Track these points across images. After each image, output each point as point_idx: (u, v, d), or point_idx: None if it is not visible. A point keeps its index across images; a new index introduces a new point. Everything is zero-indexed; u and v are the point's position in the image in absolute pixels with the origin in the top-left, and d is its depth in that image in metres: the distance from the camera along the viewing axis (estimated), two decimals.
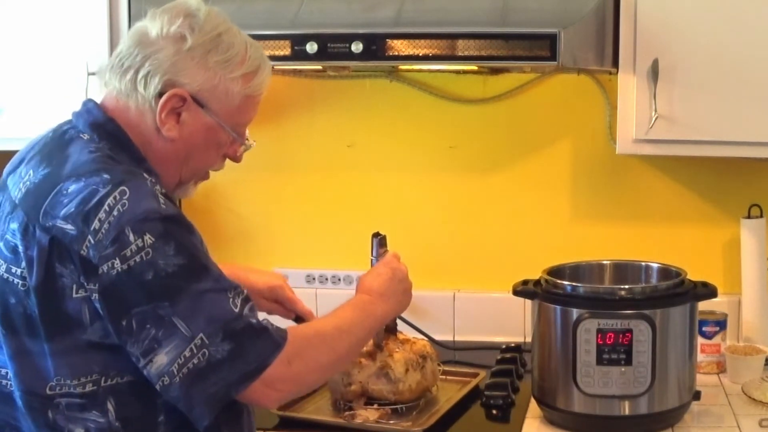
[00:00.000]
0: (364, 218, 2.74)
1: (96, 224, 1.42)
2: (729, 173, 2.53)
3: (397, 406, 2.11)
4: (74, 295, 1.45)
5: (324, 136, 2.73)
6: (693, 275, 2.10)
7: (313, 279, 2.77)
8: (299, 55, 2.17)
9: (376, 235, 2.02)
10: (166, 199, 1.50)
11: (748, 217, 2.48)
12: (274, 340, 1.50)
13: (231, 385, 1.46)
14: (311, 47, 2.15)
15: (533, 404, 2.14)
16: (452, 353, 2.61)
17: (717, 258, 2.57)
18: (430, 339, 2.51)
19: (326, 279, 2.76)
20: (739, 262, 2.48)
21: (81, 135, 1.56)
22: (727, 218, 2.55)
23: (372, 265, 1.96)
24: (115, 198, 1.44)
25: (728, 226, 2.54)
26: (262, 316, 1.66)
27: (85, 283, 1.44)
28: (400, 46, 2.14)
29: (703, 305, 2.10)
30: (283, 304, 1.98)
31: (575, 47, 2.12)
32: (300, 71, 2.68)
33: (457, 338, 2.71)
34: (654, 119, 2.20)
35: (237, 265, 2.02)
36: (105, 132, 1.56)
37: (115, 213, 1.43)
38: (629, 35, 2.21)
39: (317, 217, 2.77)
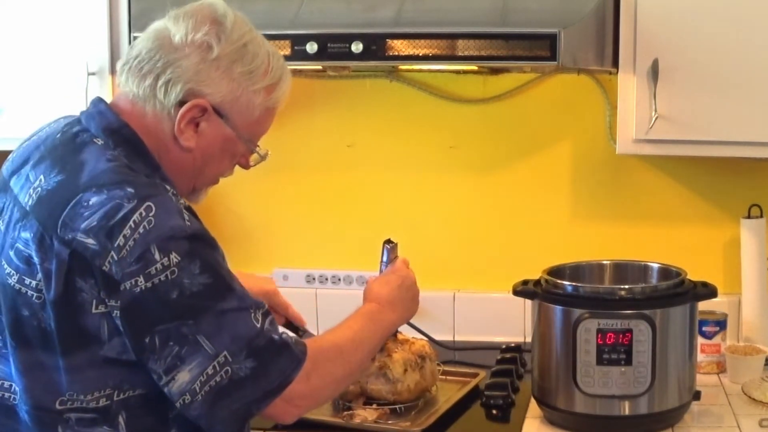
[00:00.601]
0: (364, 218, 2.75)
1: (121, 240, 1.38)
2: (729, 173, 2.53)
3: (396, 406, 2.11)
4: (93, 311, 1.42)
5: (324, 136, 2.73)
6: (693, 275, 2.10)
7: (313, 279, 2.77)
8: (299, 55, 2.17)
9: (388, 242, 2.00)
10: (189, 213, 1.47)
11: (748, 217, 2.48)
12: (295, 356, 1.49)
13: (253, 402, 1.45)
14: (311, 47, 2.15)
15: (533, 404, 2.14)
16: (452, 353, 2.61)
17: (717, 258, 2.57)
18: (430, 339, 2.51)
19: (326, 279, 2.76)
20: (739, 262, 2.48)
21: (94, 140, 1.51)
22: (727, 218, 2.55)
23: (381, 271, 1.96)
24: (141, 215, 1.40)
25: (728, 226, 2.54)
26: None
27: (106, 299, 1.41)
28: (400, 46, 2.14)
29: (703, 305, 2.10)
30: (276, 309, 1.95)
31: (575, 47, 2.12)
32: (300, 71, 2.67)
33: (457, 338, 2.71)
34: (654, 119, 2.20)
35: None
36: (121, 138, 1.51)
37: (140, 230, 1.39)
38: (629, 35, 2.21)
39: (317, 217, 2.77)
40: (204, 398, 1.42)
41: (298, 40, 2.16)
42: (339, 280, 2.76)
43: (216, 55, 1.51)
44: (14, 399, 1.49)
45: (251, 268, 2.77)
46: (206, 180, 1.64)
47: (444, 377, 2.30)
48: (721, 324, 2.37)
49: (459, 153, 2.68)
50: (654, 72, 2.19)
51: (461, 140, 2.68)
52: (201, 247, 1.44)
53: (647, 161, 2.56)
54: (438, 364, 2.27)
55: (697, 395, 2.07)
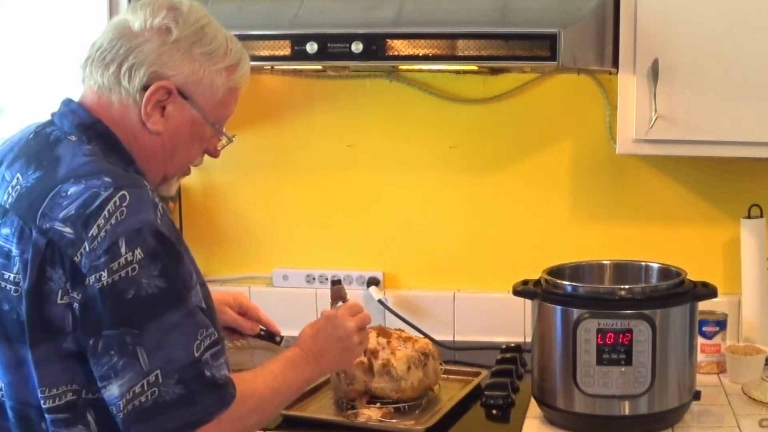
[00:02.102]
0: (364, 218, 2.75)
1: (94, 230, 1.40)
2: (729, 173, 2.53)
3: (400, 405, 2.11)
4: (59, 301, 1.43)
5: (324, 136, 2.73)
6: (693, 275, 2.10)
7: (313, 279, 2.77)
8: (299, 55, 2.17)
9: (333, 282, 1.96)
10: (164, 213, 1.48)
11: (748, 217, 2.48)
12: (224, 398, 1.47)
13: (170, 431, 1.43)
14: (311, 47, 2.15)
15: (533, 404, 2.14)
16: (452, 353, 2.61)
17: (717, 258, 2.57)
18: (430, 339, 2.51)
19: (326, 279, 2.76)
20: (739, 262, 2.48)
21: (68, 137, 1.53)
22: (727, 218, 2.55)
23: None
24: (115, 203, 1.41)
25: (728, 226, 2.54)
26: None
27: (70, 291, 1.42)
28: (400, 46, 2.14)
29: (703, 305, 2.10)
30: (247, 313, 1.95)
31: (575, 47, 2.12)
32: (300, 71, 2.68)
33: (457, 338, 2.71)
34: (654, 119, 2.20)
35: None
36: (94, 134, 1.54)
37: (113, 221, 1.41)
38: (629, 35, 2.21)
39: (317, 217, 2.77)
40: (125, 417, 1.42)
41: (298, 40, 2.16)
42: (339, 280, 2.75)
43: (175, 38, 1.53)
44: (2, 395, 1.51)
45: (251, 268, 2.79)
46: (176, 168, 1.64)
47: (446, 376, 2.31)
48: (721, 324, 2.37)
49: (459, 153, 2.68)
50: (654, 72, 2.19)
51: (461, 140, 2.68)
52: (166, 250, 1.44)
53: (647, 161, 2.56)
54: (440, 363, 2.27)
55: (697, 395, 2.07)
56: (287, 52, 2.17)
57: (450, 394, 2.22)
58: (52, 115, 1.60)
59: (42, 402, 1.46)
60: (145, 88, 1.53)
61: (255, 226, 2.80)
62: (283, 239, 2.79)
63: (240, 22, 2.26)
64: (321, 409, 2.16)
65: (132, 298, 1.40)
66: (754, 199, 2.49)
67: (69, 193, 1.43)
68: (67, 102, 1.60)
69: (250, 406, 1.53)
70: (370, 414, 2.07)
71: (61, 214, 1.42)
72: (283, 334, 2.55)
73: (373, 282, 2.73)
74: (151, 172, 1.59)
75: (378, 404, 2.11)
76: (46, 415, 1.46)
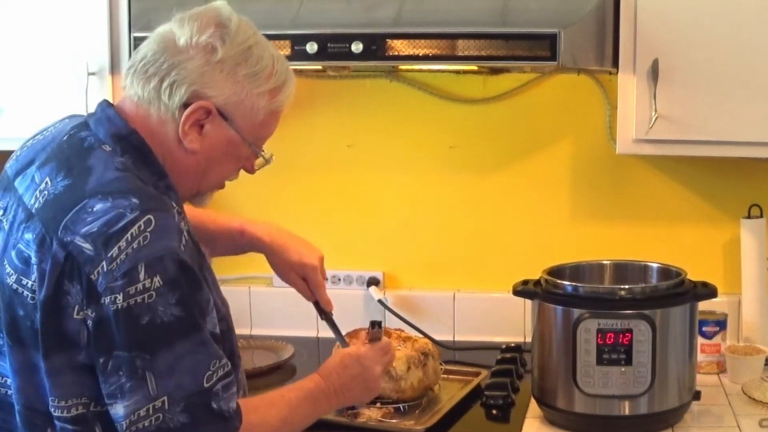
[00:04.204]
0: (364, 218, 2.75)
1: (114, 251, 1.38)
2: (729, 173, 2.53)
3: (400, 405, 2.11)
4: (75, 316, 1.42)
5: (324, 136, 2.73)
6: (693, 275, 2.10)
7: None
8: (299, 55, 2.17)
9: (373, 324, 1.93)
10: (188, 237, 1.47)
11: (748, 217, 2.48)
12: (227, 430, 1.47)
13: None
14: (311, 47, 2.15)
15: (533, 404, 2.14)
16: (452, 353, 2.61)
17: (717, 258, 2.57)
18: (430, 339, 2.51)
19: (326, 279, 2.76)
20: (739, 262, 2.48)
21: (102, 146, 1.51)
22: (727, 218, 2.55)
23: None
24: (139, 227, 1.40)
25: (728, 226, 2.54)
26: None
27: (85, 307, 1.41)
28: (400, 46, 2.15)
29: (703, 305, 2.10)
30: (308, 283, 1.96)
31: (575, 47, 2.12)
32: (300, 71, 2.67)
33: (457, 338, 2.71)
34: (654, 119, 2.20)
35: (282, 229, 2.05)
36: (129, 145, 1.52)
37: (135, 245, 1.39)
38: (629, 35, 2.21)
39: (317, 217, 2.77)
40: None
41: (298, 40, 2.16)
42: (339, 280, 2.76)
43: (220, 57, 1.51)
44: (11, 397, 1.50)
45: (251, 268, 2.78)
46: (210, 183, 1.63)
47: (446, 376, 2.31)
48: (721, 324, 2.37)
49: (459, 153, 2.68)
50: (654, 72, 2.19)
51: (461, 140, 2.68)
52: (185, 279, 1.43)
53: (647, 161, 2.56)
54: (440, 363, 2.27)
55: (697, 395, 2.07)
56: (287, 52, 2.17)
57: (450, 394, 2.22)
58: (89, 117, 1.58)
59: (53, 411, 1.46)
60: (185, 105, 1.51)
61: None
62: None
63: None
64: None
65: (147, 324, 1.39)
66: (754, 199, 2.49)
67: (95, 209, 1.41)
68: (105, 107, 1.57)
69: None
70: (370, 414, 2.08)
71: (84, 230, 1.40)
72: (290, 347, 2.57)
73: (373, 282, 2.73)
74: (183, 186, 1.58)
75: (378, 404, 2.11)
76: (57, 423, 1.46)
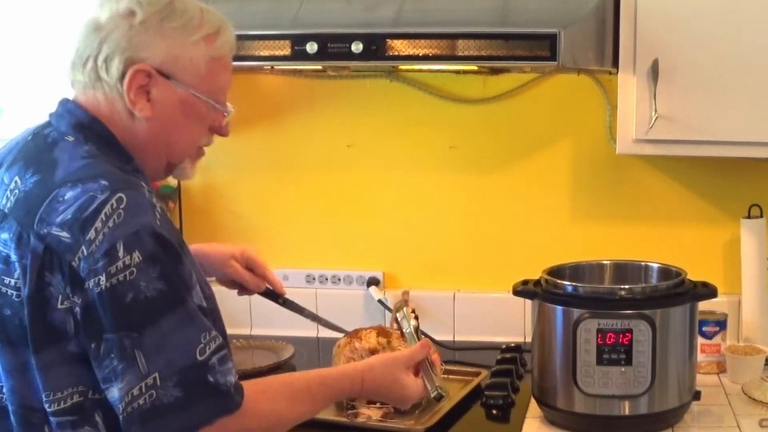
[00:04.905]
0: (364, 218, 2.75)
1: (92, 234, 1.39)
2: (729, 173, 2.53)
3: None
4: (59, 306, 1.42)
5: (324, 136, 2.74)
6: (693, 275, 2.10)
7: (313, 279, 2.77)
8: (299, 55, 2.17)
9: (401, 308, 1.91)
10: (163, 214, 1.47)
11: (748, 217, 2.48)
12: (225, 405, 1.45)
13: None
14: (311, 47, 2.15)
15: (533, 404, 2.14)
16: (452, 353, 2.61)
17: (717, 258, 2.57)
18: (430, 339, 2.51)
19: (326, 279, 2.77)
20: (739, 262, 2.48)
21: (66, 137, 1.52)
22: (727, 218, 2.55)
23: (401, 333, 1.90)
24: (112, 206, 1.40)
25: (728, 226, 2.54)
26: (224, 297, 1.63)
27: (71, 295, 1.41)
28: (400, 46, 2.14)
29: (703, 305, 2.10)
30: (254, 269, 1.93)
31: (575, 47, 2.12)
32: (300, 71, 2.68)
33: (457, 338, 2.71)
34: (654, 119, 2.20)
35: (203, 243, 2.00)
36: (91, 133, 1.52)
37: (110, 224, 1.39)
38: (629, 35, 2.21)
39: (317, 217, 2.77)
40: (125, 419, 1.41)
41: (298, 40, 2.16)
42: (339, 280, 2.76)
43: (142, 18, 1.50)
44: (4, 399, 1.50)
45: None
46: (180, 151, 1.61)
47: (446, 376, 2.31)
48: (721, 324, 2.37)
49: (459, 153, 2.68)
50: (654, 72, 2.19)
51: (461, 140, 2.68)
52: (165, 252, 1.43)
53: (647, 161, 2.56)
54: (441, 363, 2.27)
55: (697, 395, 2.07)
56: (287, 52, 2.17)
57: (450, 393, 2.22)
58: (50, 115, 1.59)
59: (47, 406, 1.45)
60: (124, 76, 1.50)
61: (255, 226, 2.80)
62: (283, 239, 2.79)
63: (240, 22, 2.24)
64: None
65: (131, 301, 1.39)
66: (754, 199, 2.49)
67: (66, 197, 1.42)
68: (64, 102, 1.58)
69: (264, 424, 1.52)
70: (370, 414, 2.07)
71: (59, 219, 1.41)
72: (290, 347, 2.56)
73: (373, 282, 2.73)
74: (151, 162, 1.57)
75: (378, 404, 2.11)
76: (52, 419, 1.46)
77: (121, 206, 1.41)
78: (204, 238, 2.79)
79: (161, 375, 1.40)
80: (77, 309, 1.41)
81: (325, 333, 2.66)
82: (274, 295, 1.95)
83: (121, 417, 1.41)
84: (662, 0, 2.19)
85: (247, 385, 1.52)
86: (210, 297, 1.56)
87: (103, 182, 1.43)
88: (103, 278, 1.39)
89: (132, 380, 1.40)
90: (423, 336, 1.85)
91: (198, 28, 1.54)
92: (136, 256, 1.40)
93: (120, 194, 1.42)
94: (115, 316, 1.40)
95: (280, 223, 2.79)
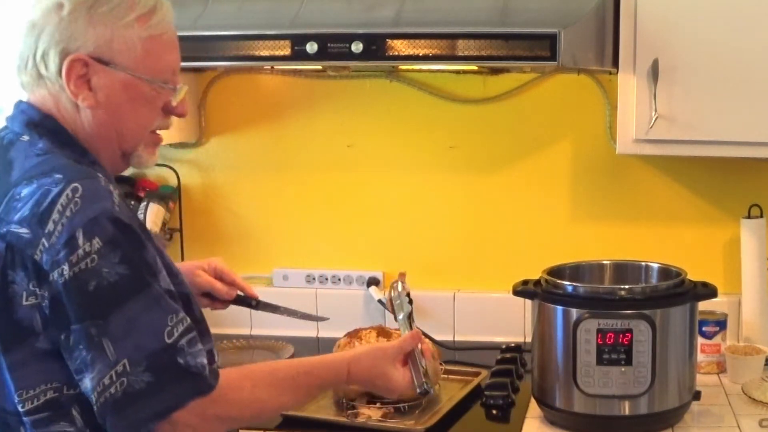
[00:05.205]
0: (364, 218, 2.75)
1: (50, 226, 1.39)
2: (729, 173, 2.53)
3: (400, 405, 2.11)
4: (24, 303, 1.41)
5: (324, 136, 2.73)
6: (693, 275, 2.10)
7: (313, 279, 2.77)
8: (299, 55, 2.17)
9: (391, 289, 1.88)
10: (121, 201, 1.46)
11: (748, 217, 2.48)
12: (197, 387, 1.44)
13: (141, 421, 1.42)
14: (311, 47, 2.15)
15: (533, 404, 2.14)
16: (452, 353, 2.61)
17: (717, 258, 2.57)
18: (430, 339, 2.51)
19: (326, 279, 2.77)
20: (739, 262, 2.48)
21: (21, 138, 1.52)
22: (727, 218, 2.55)
23: (394, 317, 1.85)
24: (67, 196, 1.40)
25: (728, 226, 2.54)
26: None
27: (37, 290, 1.40)
28: (400, 46, 2.14)
29: (703, 305, 2.10)
30: (223, 277, 1.91)
31: (575, 47, 2.12)
32: (300, 71, 2.68)
33: (457, 338, 2.71)
34: (654, 119, 2.20)
35: None
36: (45, 130, 1.52)
37: (67, 213, 1.39)
38: (629, 35, 2.21)
39: (317, 217, 2.77)
40: (99, 409, 1.41)
41: (298, 40, 2.16)
42: (339, 280, 2.76)
43: (69, 9, 1.49)
44: None
45: (251, 268, 2.78)
46: (133, 139, 1.57)
47: (446, 376, 2.31)
48: (721, 324, 2.37)
49: (459, 153, 2.68)
50: (654, 72, 2.19)
51: (461, 140, 2.68)
52: (125, 237, 1.43)
53: (647, 161, 2.56)
54: (440, 363, 2.27)
55: (697, 395, 2.07)
56: (287, 52, 2.17)
57: (450, 394, 2.22)
58: (6, 118, 1.58)
59: (20, 406, 1.44)
60: (62, 69, 1.50)
61: (255, 226, 2.80)
62: (283, 239, 2.79)
63: (240, 22, 2.26)
64: (321, 409, 2.15)
65: (94, 289, 1.39)
66: (754, 199, 2.49)
67: (22, 194, 1.42)
68: (18, 103, 1.58)
69: (245, 406, 1.51)
70: (370, 414, 2.08)
71: (17, 216, 1.41)
72: (290, 347, 2.56)
73: (373, 282, 2.73)
74: (105, 152, 1.55)
75: (378, 404, 2.11)
76: (25, 419, 1.45)
77: (77, 195, 1.41)
78: (204, 238, 2.81)
79: (130, 360, 1.40)
80: (45, 302, 1.41)
81: (325, 333, 2.67)
82: (246, 300, 1.93)
83: (95, 407, 1.41)
84: (662, 0, 2.19)
85: (229, 371, 1.52)
86: (181, 283, 1.55)
87: (57, 176, 1.43)
88: (66, 268, 1.38)
89: (102, 369, 1.39)
90: (416, 325, 1.81)
91: (130, 9, 1.52)
92: (96, 242, 1.39)
93: (75, 184, 1.42)
94: (79, 306, 1.40)
95: (280, 223, 2.79)
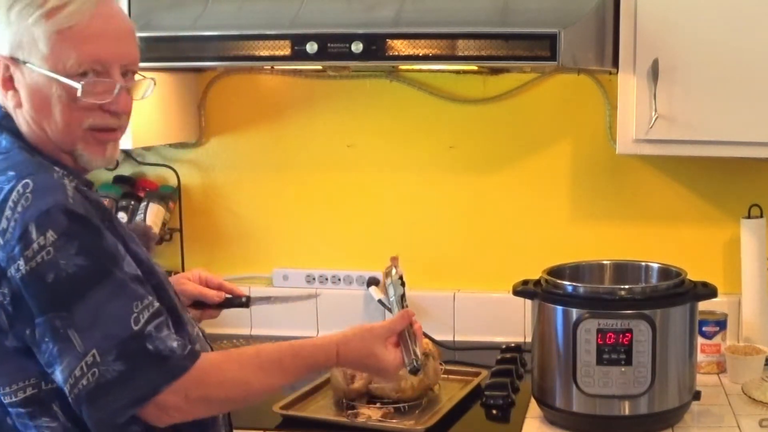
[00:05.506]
0: (364, 218, 2.75)
1: (3, 223, 1.39)
2: (729, 173, 2.53)
3: (400, 405, 2.11)
4: None
5: (324, 136, 2.73)
6: (693, 275, 2.10)
7: (313, 279, 2.77)
8: (299, 55, 2.17)
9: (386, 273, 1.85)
10: (79, 195, 1.45)
11: (748, 217, 2.48)
12: (170, 371, 1.43)
13: (119, 410, 1.41)
14: (311, 47, 2.15)
15: (533, 404, 2.14)
16: (452, 353, 2.61)
17: (717, 258, 2.57)
18: (430, 339, 2.51)
19: (326, 279, 2.77)
20: (739, 262, 2.48)
21: None
22: (727, 218, 2.55)
23: (389, 299, 1.81)
24: (18, 192, 1.40)
25: (728, 226, 2.54)
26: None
27: None
28: (400, 46, 2.14)
29: (703, 305, 2.10)
30: (209, 283, 1.90)
31: (575, 47, 2.12)
32: (300, 71, 2.68)
33: (457, 338, 2.71)
34: (654, 119, 2.20)
35: None
36: (5, 128, 1.53)
37: (19, 209, 1.39)
38: (629, 35, 2.21)
39: (317, 217, 2.77)
40: (74, 400, 1.41)
41: (298, 40, 2.16)
42: (339, 280, 2.76)
43: None
44: None
45: (251, 268, 2.79)
46: (70, 136, 1.53)
47: (446, 376, 2.31)
48: (721, 324, 2.38)
49: (459, 153, 2.68)
50: (654, 72, 2.19)
51: (461, 140, 2.68)
52: (81, 227, 1.42)
53: (647, 161, 2.56)
54: (440, 363, 2.27)
55: (697, 395, 2.07)
56: (287, 52, 2.17)
57: (450, 394, 2.22)
58: None
59: (4, 398, 1.45)
60: None
61: (255, 226, 2.80)
62: (283, 239, 2.79)
63: (240, 22, 2.26)
64: (321, 409, 2.16)
65: (53, 281, 1.39)
66: (754, 199, 2.49)
67: None
68: None
69: (228, 386, 1.50)
70: (370, 414, 2.08)
71: None
72: (278, 334, 2.56)
73: (373, 282, 2.73)
74: (53, 151, 1.54)
75: (378, 404, 2.11)
76: (10, 410, 1.46)
77: (28, 190, 1.41)
78: (204, 238, 2.81)
79: (99, 350, 1.39)
80: (7, 300, 1.41)
81: (326, 332, 2.66)
82: (236, 300, 1.92)
83: (70, 399, 1.41)
84: (662, 0, 2.19)
85: (214, 354, 1.52)
86: (150, 272, 1.53)
87: (11, 173, 1.43)
88: (22, 263, 1.39)
89: (72, 361, 1.39)
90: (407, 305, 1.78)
91: (39, 6, 1.50)
92: (51, 234, 1.39)
93: (26, 180, 1.42)
94: (40, 299, 1.40)
95: (280, 223, 2.79)
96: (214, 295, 1.88)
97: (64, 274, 1.39)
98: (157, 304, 1.46)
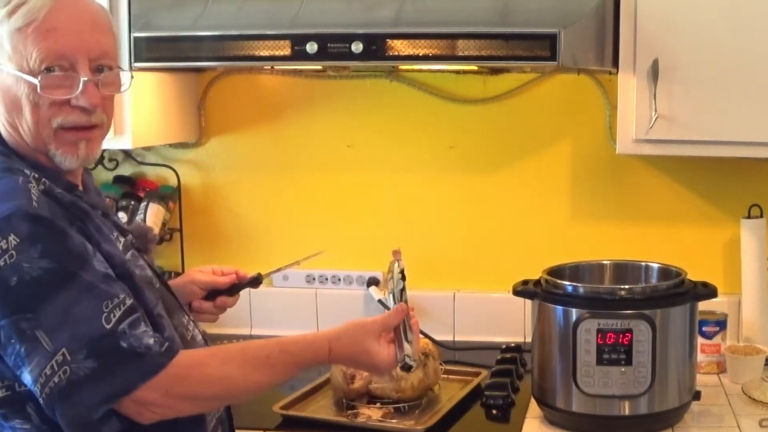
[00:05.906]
0: (363, 218, 2.75)
1: None
2: (729, 173, 2.53)
3: (400, 405, 2.11)
4: None
5: (324, 136, 2.73)
6: (693, 275, 2.10)
7: (313, 279, 2.77)
8: (299, 55, 2.17)
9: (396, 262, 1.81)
10: (42, 196, 1.45)
11: (748, 217, 2.48)
12: (146, 368, 1.42)
13: (93, 406, 1.40)
14: (311, 47, 2.15)
15: (533, 404, 2.14)
16: (452, 353, 2.61)
17: (717, 258, 2.57)
18: (430, 339, 2.51)
19: (326, 279, 2.77)
20: (739, 262, 2.48)
21: None
22: (727, 218, 2.55)
23: (391, 293, 1.77)
24: None
25: (728, 226, 2.54)
26: None
27: None
28: (400, 46, 2.14)
29: (703, 305, 2.10)
30: (222, 271, 1.90)
31: (575, 47, 2.12)
32: (300, 71, 2.68)
33: (457, 338, 2.71)
34: (654, 119, 2.20)
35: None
36: None
37: None
38: (629, 35, 2.21)
39: (317, 217, 2.77)
40: (45, 399, 1.40)
41: (298, 40, 2.16)
42: (339, 280, 2.76)
43: None
44: None
45: (251, 268, 2.76)
46: (33, 137, 1.52)
47: (446, 376, 2.31)
48: (721, 324, 2.38)
49: (459, 153, 2.68)
50: (654, 72, 2.19)
51: (461, 140, 2.68)
52: (45, 230, 1.42)
53: (647, 161, 2.56)
54: (440, 363, 2.27)
55: (697, 395, 2.07)
56: (287, 52, 2.17)
57: (450, 394, 2.22)
58: None
59: None
60: None
61: (255, 226, 2.80)
62: (283, 239, 2.79)
63: (240, 22, 2.26)
64: (321, 409, 2.16)
65: (16, 284, 1.38)
66: (754, 199, 2.49)
67: None
68: None
69: (211, 384, 1.48)
70: (370, 414, 2.08)
71: None
72: (278, 333, 2.55)
73: (373, 282, 2.73)
74: (28, 150, 1.53)
75: (378, 404, 2.11)
76: None
77: None
78: (204, 238, 2.81)
79: (69, 350, 1.39)
80: None
81: None
82: (249, 280, 1.92)
83: (41, 400, 1.40)
84: (662, 0, 2.19)
85: (196, 350, 1.52)
86: (125, 273, 1.51)
87: None
88: None
89: (41, 360, 1.39)
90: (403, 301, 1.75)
91: (3, 6, 1.49)
92: (12, 239, 1.39)
93: None
94: (4, 301, 1.39)
95: (280, 223, 2.79)
96: (225, 279, 1.89)
97: (28, 277, 1.39)
98: (129, 301, 1.45)
